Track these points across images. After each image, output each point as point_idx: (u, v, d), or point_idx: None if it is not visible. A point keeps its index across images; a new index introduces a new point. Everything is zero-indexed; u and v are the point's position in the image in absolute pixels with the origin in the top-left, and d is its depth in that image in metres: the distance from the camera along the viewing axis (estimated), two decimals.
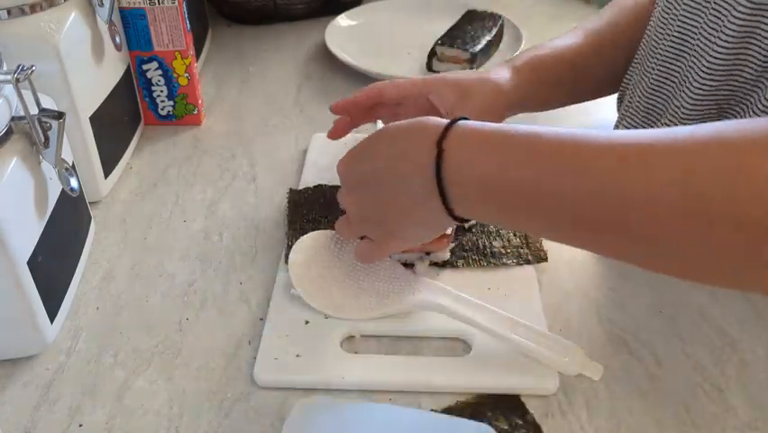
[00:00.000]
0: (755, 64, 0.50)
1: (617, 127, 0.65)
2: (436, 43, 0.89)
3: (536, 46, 0.66)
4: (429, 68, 0.89)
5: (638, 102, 0.61)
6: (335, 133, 0.64)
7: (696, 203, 0.36)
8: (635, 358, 0.52)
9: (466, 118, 0.45)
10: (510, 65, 0.63)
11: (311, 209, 0.64)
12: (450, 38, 0.89)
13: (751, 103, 0.51)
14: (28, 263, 0.49)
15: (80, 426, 0.48)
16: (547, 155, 0.41)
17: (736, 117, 0.52)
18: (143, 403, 0.49)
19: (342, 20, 0.98)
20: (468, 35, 0.89)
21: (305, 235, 0.58)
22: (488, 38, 0.89)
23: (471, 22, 0.93)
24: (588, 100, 0.69)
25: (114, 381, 0.51)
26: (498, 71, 0.62)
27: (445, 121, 0.44)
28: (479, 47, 0.87)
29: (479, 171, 0.42)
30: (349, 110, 0.63)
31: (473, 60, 0.86)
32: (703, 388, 0.50)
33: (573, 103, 0.68)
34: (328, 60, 0.93)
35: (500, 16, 0.94)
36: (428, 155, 0.43)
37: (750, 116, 0.50)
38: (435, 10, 1.00)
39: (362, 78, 0.87)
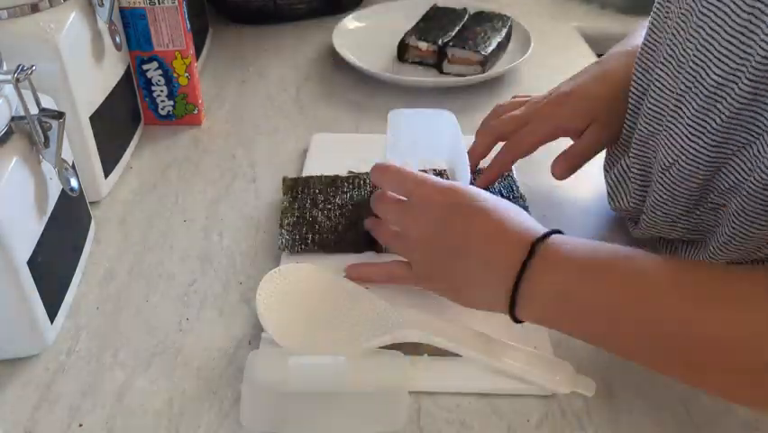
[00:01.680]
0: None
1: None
2: (406, 35, 0.90)
3: (621, 44, 0.66)
4: (401, 59, 0.90)
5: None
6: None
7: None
8: None
9: (559, 232, 0.47)
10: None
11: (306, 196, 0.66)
12: (460, 39, 0.88)
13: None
14: (28, 263, 0.49)
15: (80, 426, 0.48)
16: (622, 287, 0.44)
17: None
18: (143, 403, 0.49)
19: (350, 22, 0.98)
20: (479, 37, 0.89)
21: (268, 274, 0.54)
22: (498, 39, 0.89)
23: (480, 23, 0.93)
24: None
25: (114, 381, 0.51)
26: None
27: (533, 233, 0.46)
28: (490, 48, 0.87)
29: (554, 296, 0.45)
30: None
31: (485, 62, 0.86)
32: None
33: None
34: (328, 61, 0.93)
35: (509, 17, 0.94)
36: (511, 268, 0.45)
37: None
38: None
39: (362, 78, 0.87)
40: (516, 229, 0.47)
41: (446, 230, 0.49)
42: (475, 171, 0.66)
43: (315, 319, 0.52)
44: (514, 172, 0.68)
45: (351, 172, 0.69)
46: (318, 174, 0.68)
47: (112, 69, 0.70)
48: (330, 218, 0.63)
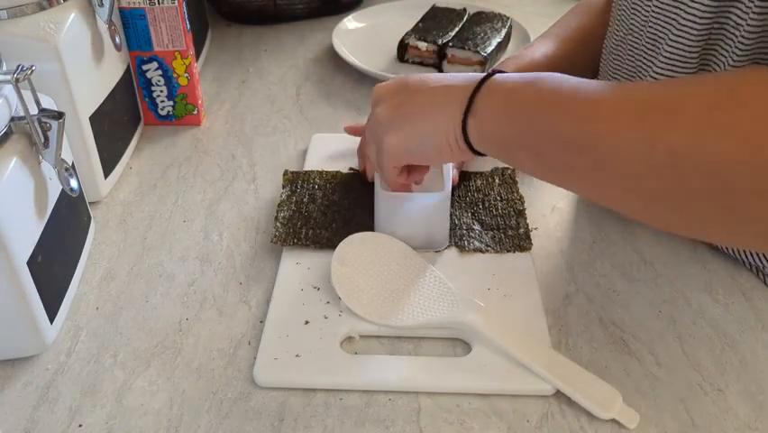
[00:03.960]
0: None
1: None
2: (406, 35, 0.90)
3: (515, 56, 0.72)
4: (400, 59, 0.91)
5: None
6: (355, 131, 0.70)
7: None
8: (635, 358, 0.52)
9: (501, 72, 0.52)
10: None
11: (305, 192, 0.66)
12: (460, 40, 0.88)
13: None
14: (28, 263, 0.49)
15: (80, 426, 0.48)
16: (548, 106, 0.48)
17: None
18: (143, 403, 0.49)
19: (350, 22, 0.98)
20: (478, 37, 0.89)
21: (351, 236, 0.58)
22: (498, 39, 0.89)
23: (480, 23, 0.92)
24: None
25: (114, 381, 0.51)
26: None
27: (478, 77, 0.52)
28: (490, 49, 0.87)
29: (504, 102, 0.50)
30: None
31: (485, 62, 0.86)
32: (703, 388, 0.50)
33: None
34: (328, 61, 0.93)
35: (508, 18, 0.94)
36: (467, 89, 0.51)
37: None
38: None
39: (362, 78, 0.87)
40: (466, 75, 0.53)
41: (407, 86, 0.55)
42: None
43: (382, 287, 0.56)
44: (516, 175, 0.68)
45: (352, 169, 0.69)
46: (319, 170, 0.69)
47: (112, 70, 0.70)
48: (326, 214, 0.63)
